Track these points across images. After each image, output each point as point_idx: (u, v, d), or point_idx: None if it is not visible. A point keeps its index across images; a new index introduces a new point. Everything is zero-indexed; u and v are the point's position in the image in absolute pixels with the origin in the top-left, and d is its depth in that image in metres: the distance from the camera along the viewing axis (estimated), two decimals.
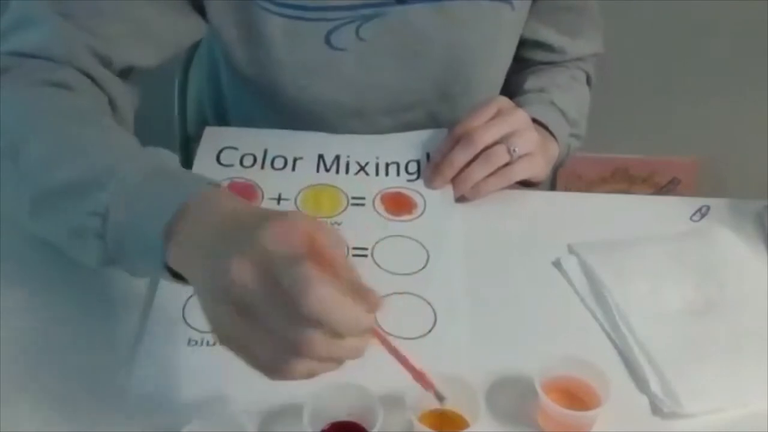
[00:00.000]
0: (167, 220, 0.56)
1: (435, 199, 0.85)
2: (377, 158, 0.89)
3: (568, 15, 0.99)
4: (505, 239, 0.83)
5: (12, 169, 0.67)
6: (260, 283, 0.49)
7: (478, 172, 0.83)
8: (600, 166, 1.87)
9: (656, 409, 0.66)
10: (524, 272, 0.79)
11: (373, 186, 0.86)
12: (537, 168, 0.86)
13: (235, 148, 0.89)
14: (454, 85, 0.93)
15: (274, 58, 0.87)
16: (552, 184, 1.79)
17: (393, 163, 0.89)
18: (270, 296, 0.49)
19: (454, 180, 0.85)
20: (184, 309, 0.72)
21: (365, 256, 0.78)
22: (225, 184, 0.83)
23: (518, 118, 0.85)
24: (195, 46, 1.11)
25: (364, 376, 0.64)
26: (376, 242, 0.80)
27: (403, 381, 0.61)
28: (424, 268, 0.77)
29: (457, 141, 0.84)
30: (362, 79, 0.90)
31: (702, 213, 0.87)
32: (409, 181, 0.87)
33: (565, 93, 0.97)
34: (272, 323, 0.50)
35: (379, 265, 0.78)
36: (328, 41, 0.87)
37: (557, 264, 0.80)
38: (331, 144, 0.90)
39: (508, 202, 0.86)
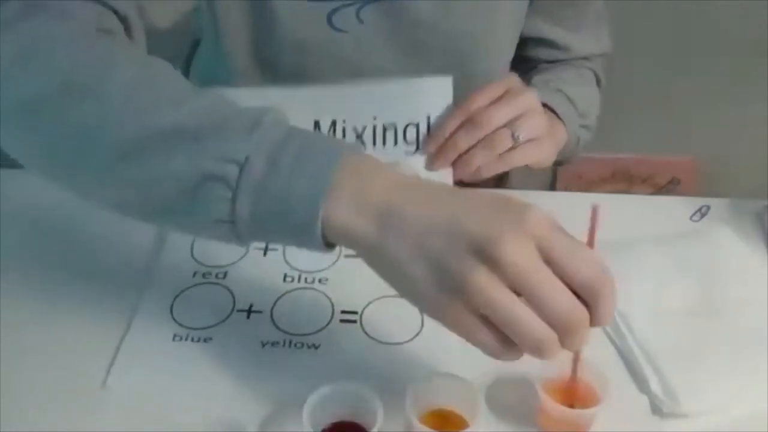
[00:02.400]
0: (329, 176, 0.53)
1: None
2: (374, 119, 0.82)
3: (571, 10, 0.98)
4: None
5: (93, 107, 0.58)
6: (536, 258, 0.51)
7: (480, 157, 0.80)
8: (600, 166, 1.87)
9: (656, 409, 0.66)
10: None
11: None
12: (542, 153, 0.84)
13: None
14: (453, 74, 0.92)
15: (278, 37, 0.86)
16: (552, 184, 1.79)
17: (391, 125, 0.82)
18: (545, 271, 0.51)
19: (454, 162, 0.82)
20: (172, 306, 0.73)
21: (355, 255, 0.77)
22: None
23: (527, 100, 0.82)
24: (195, 44, 1.10)
25: (364, 376, 0.64)
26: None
27: (403, 381, 0.61)
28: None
29: (461, 120, 0.81)
30: (361, 62, 0.89)
31: (702, 213, 0.87)
32: (407, 153, 0.82)
33: (573, 86, 0.96)
34: (545, 298, 0.50)
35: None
36: (330, 22, 0.86)
37: None
38: (325, 102, 0.82)
39: None
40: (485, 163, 0.81)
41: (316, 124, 0.82)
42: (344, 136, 0.82)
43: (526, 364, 0.65)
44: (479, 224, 0.51)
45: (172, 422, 0.63)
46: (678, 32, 1.69)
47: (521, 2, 0.93)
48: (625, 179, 1.91)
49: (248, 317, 0.73)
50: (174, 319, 0.72)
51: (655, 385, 0.67)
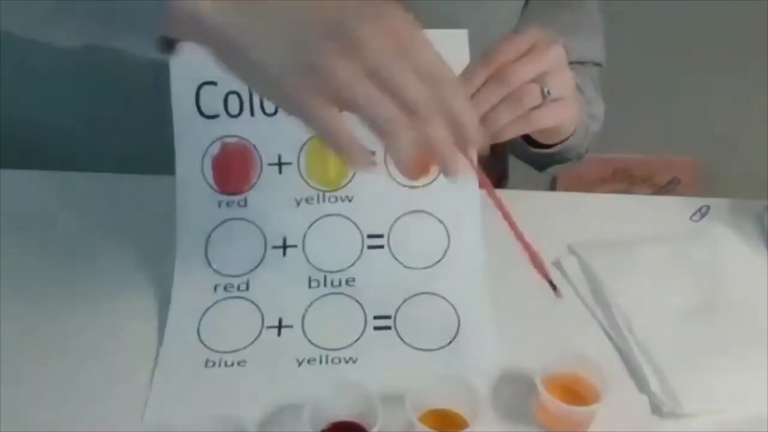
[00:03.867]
0: None
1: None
2: None
3: (566, 11, 0.96)
4: (506, 239, 0.83)
5: None
6: (393, 43, 0.51)
7: (506, 114, 0.72)
8: (600, 166, 1.87)
9: (656, 409, 0.66)
10: (524, 272, 0.79)
11: None
12: (568, 113, 0.77)
13: (214, 83, 0.74)
14: None
15: None
16: (552, 184, 1.79)
17: None
18: (399, 57, 0.51)
19: None
20: (199, 329, 0.70)
21: (381, 247, 0.74)
22: (217, 147, 0.74)
23: (555, 55, 0.74)
24: None
25: (364, 376, 0.64)
26: (393, 224, 0.74)
27: (403, 381, 0.61)
28: (444, 256, 0.74)
29: (486, 75, 0.72)
30: None
31: (702, 213, 0.87)
32: None
33: (576, 74, 0.87)
34: (400, 79, 0.51)
35: (396, 258, 0.73)
36: None
37: (557, 264, 0.80)
38: None
39: (508, 202, 0.86)
40: (510, 123, 0.73)
41: None
42: None
43: (526, 365, 0.65)
44: (338, 8, 0.52)
45: None
46: (678, 32, 1.69)
47: (517, 3, 0.92)
48: (625, 179, 1.91)
49: (279, 334, 0.70)
50: (203, 343, 0.70)
51: (655, 385, 0.67)
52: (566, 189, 1.23)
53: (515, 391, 0.66)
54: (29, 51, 1.17)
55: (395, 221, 0.75)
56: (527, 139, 0.85)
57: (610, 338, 0.73)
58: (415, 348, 0.70)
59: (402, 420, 0.60)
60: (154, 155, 0.90)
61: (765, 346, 0.70)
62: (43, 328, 0.72)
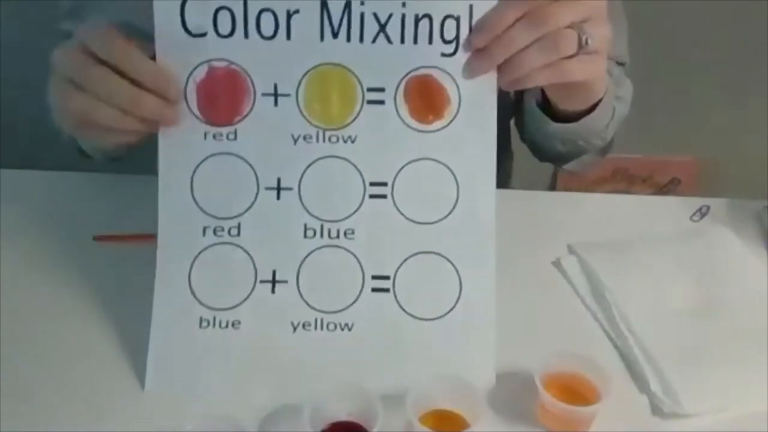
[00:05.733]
0: None
1: (472, 92, 0.68)
2: (403, 6, 0.66)
3: None
4: (505, 239, 0.83)
5: None
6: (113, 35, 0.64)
7: (538, 58, 0.65)
8: (600, 166, 1.87)
9: (656, 409, 0.66)
10: (524, 272, 0.79)
11: (397, 64, 0.67)
12: (600, 70, 0.70)
13: None
14: None
15: None
16: (552, 184, 1.79)
17: (424, 16, 0.66)
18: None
19: (502, 64, 0.67)
20: (190, 278, 0.68)
21: (384, 196, 0.68)
22: (203, 71, 0.67)
23: (596, 4, 0.67)
24: None
25: (364, 376, 0.64)
26: (398, 171, 0.68)
27: (403, 381, 0.61)
28: (451, 213, 0.68)
29: (520, 13, 0.65)
30: None
31: (702, 213, 0.87)
32: (444, 54, 0.67)
33: None
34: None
35: (399, 210, 0.68)
36: None
37: (557, 264, 0.80)
38: None
39: (508, 202, 0.86)
40: (540, 68, 0.66)
41: (324, 5, 0.66)
42: (362, 24, 0.66)
43: (526, 365, 0.65)
44: None
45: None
46: (678, 32, 1.69)
47: None
48: (625, 179, 1.91)
49: (273, 291, 0.67)
50: (196, 297, 0.67)
51: (655, 385, 0.67)
52: (566, 189, 1.23)
53: (515, 391, 0.66)
54: (29, 52, 1.17)
55: (401, 168, 0.68)
56: (546, 112, 0.81)
57: (610, 338, 0.73)
58: (413, 316, 0.68)
59: (402, 420, 0.60)
60: (155, 156, 0.90)
61: (765, 346, 0.70)
62: (43, 328, 0.72)
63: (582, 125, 0.82)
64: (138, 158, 0.85)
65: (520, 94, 0.89)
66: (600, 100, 0.79)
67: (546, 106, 0.82)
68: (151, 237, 0.67)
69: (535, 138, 0.90)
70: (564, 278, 0.78)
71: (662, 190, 1.91)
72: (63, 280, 0.76)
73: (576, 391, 0.64)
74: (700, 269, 0.78)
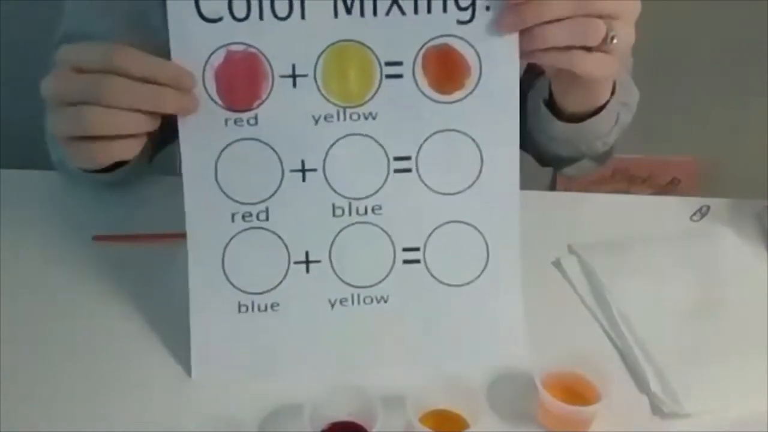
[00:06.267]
0: None
1: (493, 58, 0.66)
2: None
3: None
4: None
5: None
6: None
7: (562, 36, 0.64)
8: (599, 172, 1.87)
9: (656, 409, 0.66)
10: (524, 272, 0.79)
11: (413, 36, 0.66)
12: (611, 70, 0.69)
13: None
14: None
15: None
16: (552, 184, 1.79)
17: None
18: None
19: (525, 31, 0.65)
20: (224, 265, 0.68)
21: (409, 170, 0.68)
22: (220, 56, 0.66)
23: (635, 5, 0.67)
24: None
25: (364, 376, 0.64)
26: (421, 144, 0.68)
27: (403, 381, 0.61)
28: (476, 181, 0.69)
29: None
30: None
31: (702, 213, 0.87)
32: (460, 23, 0.66)
33: None
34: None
35: (425, 182, 0.68)
36: None
37: (557, 264, 0.80)
38: None
39: None
40: (556, 50, 0.65)
41: None
42: (375, 2, 0.65)
43: (527, 365, 0.65)
44: None
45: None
46: (678, 32, 1.69)
47: None
48: (625, 179, 1.91)
49: (308, 270, 0.68)
50: (231, 283, 0.68)
51: (655, 385, 0.67)
52: (566, 189, 1.23)
53: (515, 391, 0.66)
54: (29, 52, 1.17)
55: (424, 141, 0.68)
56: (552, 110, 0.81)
57: (610, 338, 0.73)
58: (444, 283, 0.69)
59: (402, 420, 0.60)
60: (156, 157, 0.90)
61: (765, 347, 0.70)
62: (43, 328, 0.72)
63: (586, 126, 0.82)
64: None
65: (524, 95, 0.89)
66: (607, 102, 0.79)
67: (552, 106, 0.82)
68: (151, 237, 0.68)
69: (538, 140, 0.90)
70: (564, 278, 0.78)
71: (662, 190, 1.92)
72: (63, 280, 0.76)
73: (576, 391, 0.64)
74: (700, 269, 0.78)
